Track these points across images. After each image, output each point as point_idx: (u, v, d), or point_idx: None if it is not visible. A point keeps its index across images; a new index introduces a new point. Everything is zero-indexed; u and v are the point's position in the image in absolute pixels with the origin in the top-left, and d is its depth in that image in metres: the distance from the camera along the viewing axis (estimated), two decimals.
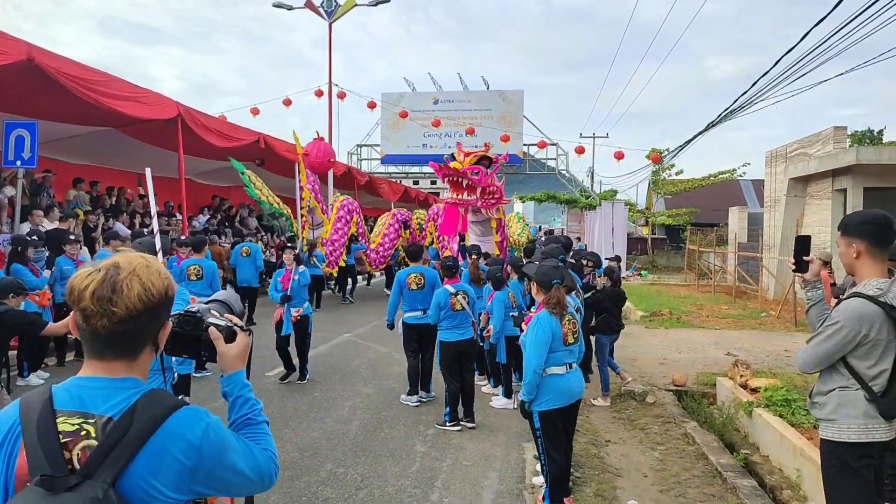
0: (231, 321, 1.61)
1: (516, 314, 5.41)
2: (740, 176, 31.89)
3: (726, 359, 8.90)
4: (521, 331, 4.58)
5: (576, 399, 4.30)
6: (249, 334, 1.63)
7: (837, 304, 2.90)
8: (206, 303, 1.71)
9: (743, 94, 11.71)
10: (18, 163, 8.32)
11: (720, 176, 31.53)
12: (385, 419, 6.32)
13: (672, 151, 24.68)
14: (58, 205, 11.08)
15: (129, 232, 11.11)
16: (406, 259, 10.84)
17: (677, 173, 32.53)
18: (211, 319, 1.58)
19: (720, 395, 7.33)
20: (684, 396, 7.55)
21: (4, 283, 4.78)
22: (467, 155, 9.43)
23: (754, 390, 6.67)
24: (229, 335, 1.58)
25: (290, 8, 19.07)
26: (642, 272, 26.25)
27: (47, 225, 9.84)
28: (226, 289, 8.20)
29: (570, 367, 4.21)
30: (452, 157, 11.70)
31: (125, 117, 10.42)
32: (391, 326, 6.94)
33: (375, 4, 18.65)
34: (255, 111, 20.60)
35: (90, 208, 11.70)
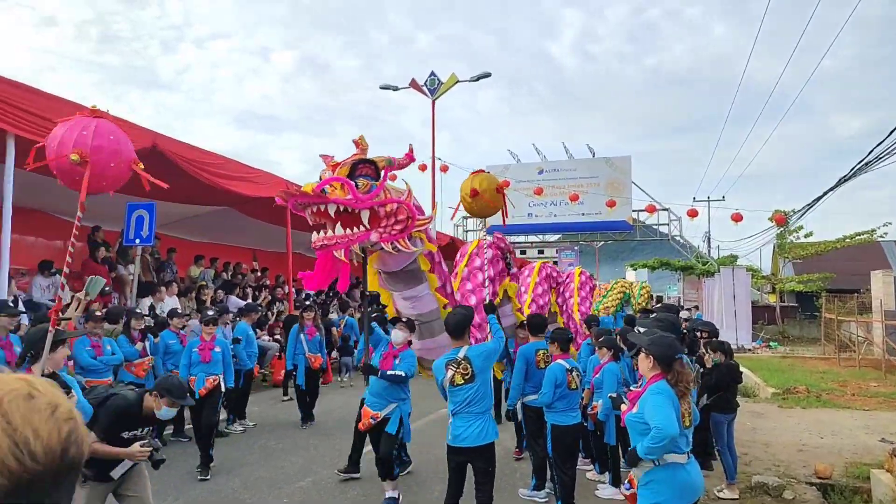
0: None
1: (615, 395, 4.81)
2: (881, 237, 28.93)
3: (881, 446, 7.61)
4: (622, 412, 4.03)
5: (699, 496, 3.66)
6: None
7: None
8: None
9: (878, 145, 10.58)
10: (137, 241, 9.01)
11: (856, 237, 28.74)
12: None
13: (799, 211, 22.83)
14: (179, 280, 11.79)
15: (243, 304, 11.61)
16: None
17: (806, 236, 30.07)
18: None
19: (876, 492, 6.16)
20: (831, 492, 6.44)
21: None
22: (334, 167, 4.77)
23: None
24: None
25: (395, 88, 20.03)
26: (771, 343, 23.99)
27: (167, 299, 10.45)
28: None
29: (689, 457, 3.61)
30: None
31: (238, 196, 11.09)
32: (514, 415, 6.11)
33: (477, 80, 19.16)
34: None
35: (213, 285, 12.33)
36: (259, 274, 14.74)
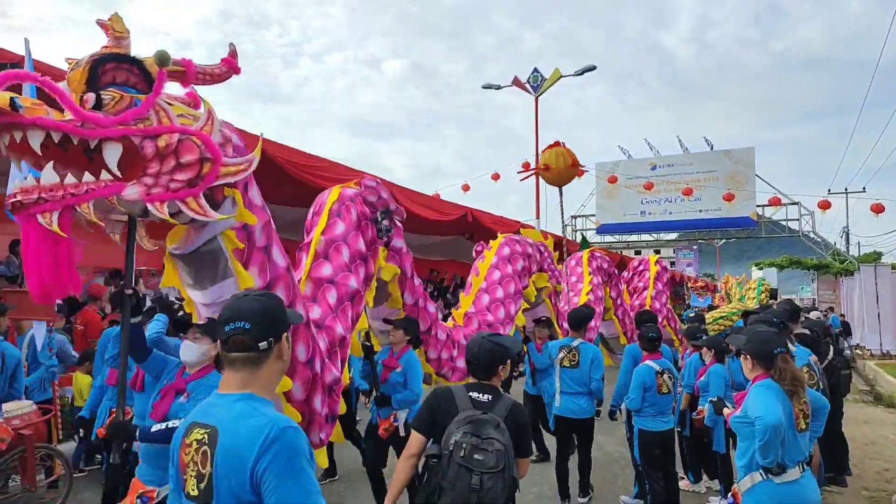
0: None
1: (715, 399, 4.39)
2: None
3: None
4: (725, 416, 3.67)
5: None
6: None
7: None
8: None
9: None
10: None
11: None
12: None
13: None
14: None
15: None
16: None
17: None
18: None
19: None
20: None
21: None
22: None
23: None
24: None
25: (498, 87, 19.91)
26: None
27: None
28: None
29: (803, 469, 3.17)
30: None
31: None
32: (615, 415, 5.78)
33: (581, 73, 18.62)
34: (465, 188, 21.64)
35: None
36: None
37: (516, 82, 18.91)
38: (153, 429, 2.99)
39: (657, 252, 37.44)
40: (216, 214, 2.85)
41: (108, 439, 3.41)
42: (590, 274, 8.31)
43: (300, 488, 1.55)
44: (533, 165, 19.32)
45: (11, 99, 2.30)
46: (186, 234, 3.06)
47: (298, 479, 1.56)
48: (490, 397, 2.67)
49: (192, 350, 3.23)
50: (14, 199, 2.43)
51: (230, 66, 3.08)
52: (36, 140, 2.39)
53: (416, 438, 2.70)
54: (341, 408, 4.04)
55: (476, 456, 2.45)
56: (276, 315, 1.76)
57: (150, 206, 2.66)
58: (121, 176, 2.62)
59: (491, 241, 6.98)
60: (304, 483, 1.56)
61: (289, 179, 9.71)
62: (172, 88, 2.93)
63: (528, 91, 18.85)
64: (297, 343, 3.42)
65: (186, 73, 2.91)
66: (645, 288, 9.66)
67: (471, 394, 2.68)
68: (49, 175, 2.44)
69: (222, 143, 2.95)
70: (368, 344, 4.87)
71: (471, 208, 15.04)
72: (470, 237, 16.25)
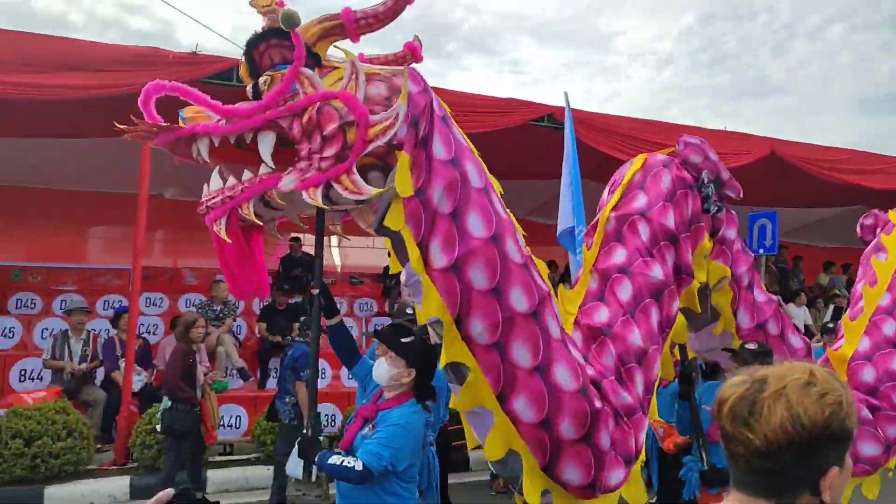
0: None
1: None
2: None
3: None
4: None
5: None
6: None
7: None
8: None
9: None
10: (761, 250, 8.58)
11: None
12: None
13: None
14: (807, 289, 11.42)
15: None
16: None
17: None
18: None
19: None
20: None
21: None
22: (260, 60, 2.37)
23: None
24: None
25: None
26: None
27: (793, 310, 9.79)
28: None
29: None
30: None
31: (871, 191, 9.32)
32: None
33: None
34: None
35: (846, 293, 10.75)
36: None
37: None
38: (329, 460, 2.52)
39: None
40: (371, 189, 2.28)
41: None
42: None
43: None
44: None
45: (180, 113, 2.35)
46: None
47: None
48: None
49: (382, 369, 2.72)
50: (203, 207, 2.39)
51: None
52: (202, 149, 2.32)
53: None
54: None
55: None
56: None
57: (304, 195, 2.27)
58: (272, 166, 2.31)
59: (891, 213, 4.03)
60: None
61: (805, 178, 9.08)
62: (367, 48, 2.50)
63: None
64: (513, 342, 2.36)
65: (344, 25, 2.36)
66: None
67: None
68: (215, 181, 2.38)
69: (388, 97, 2.36)
70: (686, 369, 3.38)
71: None
72: None
